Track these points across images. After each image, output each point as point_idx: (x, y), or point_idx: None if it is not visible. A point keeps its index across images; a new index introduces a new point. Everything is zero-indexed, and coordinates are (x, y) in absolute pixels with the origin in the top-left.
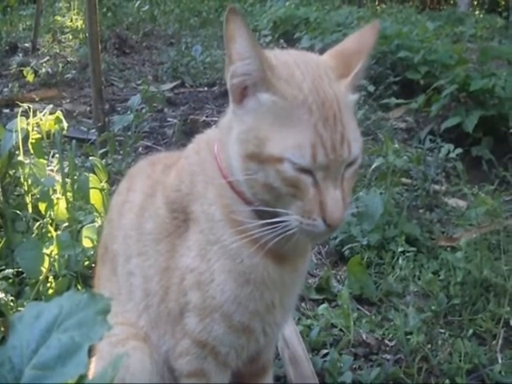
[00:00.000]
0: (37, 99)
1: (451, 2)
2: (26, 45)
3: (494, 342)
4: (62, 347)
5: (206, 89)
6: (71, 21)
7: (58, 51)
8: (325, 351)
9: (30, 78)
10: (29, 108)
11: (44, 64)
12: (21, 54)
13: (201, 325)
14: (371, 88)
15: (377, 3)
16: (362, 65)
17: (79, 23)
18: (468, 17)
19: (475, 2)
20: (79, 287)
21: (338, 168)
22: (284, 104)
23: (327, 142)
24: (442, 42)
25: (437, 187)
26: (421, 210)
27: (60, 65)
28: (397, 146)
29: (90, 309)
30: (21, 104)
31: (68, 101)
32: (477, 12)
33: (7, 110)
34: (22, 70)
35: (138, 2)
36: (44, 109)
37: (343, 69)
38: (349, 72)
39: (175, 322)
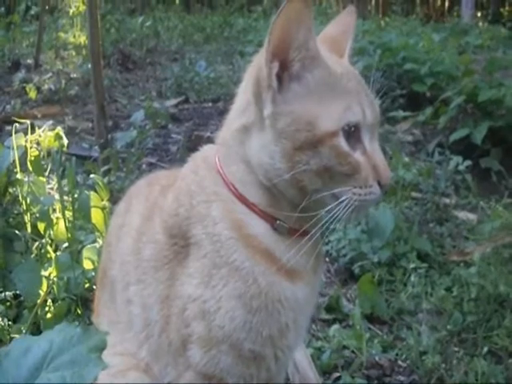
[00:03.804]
0: (39, 116)
1: (455, 13)
2: (29, 61)
3: (511, 361)
4: None
5: (210, 104)
6: (74, 37)
7: (60, 68)
8: (337, 374)
9: (33, 94)
10: (31, 125)
11: (46, 80)
12: (23, 71)
13: (206, 357)
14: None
15: (381, 16)
16: (351, 42)
17: (82, 39)
18: (472, 28)
19: (479, 14)
20: (79, 311)
21: (376, 128)
22: (330, 78)
23: (368, 102)
24: (448, 54)
25: (446, 200)
26: (431, 224)
27: (63, 81)
28: (406, 159)
29: (84, 345)
30: (20, 121)
31: (71, 117)
32: (480, 23)
33: (9, 127)
34: (24, 87)
35: (142, 18)
36: (45, 125)
37: (335, 50)
38: (341, 51)
39: (177, 354)
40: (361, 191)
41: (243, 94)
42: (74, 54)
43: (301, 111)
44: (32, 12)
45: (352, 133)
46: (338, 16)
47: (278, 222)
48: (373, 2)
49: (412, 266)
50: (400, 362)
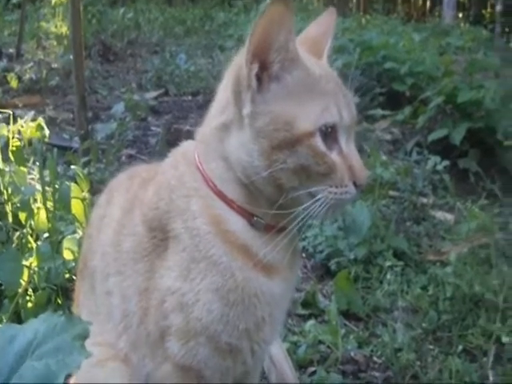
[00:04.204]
0: (20, 106)
1: (436, 14)
2: (11, 50)
3: (485, 359)
4: (36, 376)
5: (190, 98)
6: (56, 27)
7: (42, 57)
8: (312, 369)
9: (14, 84)
10: (10, 115)
11: (28, 70)
12: (5, 60)
13: (184, 349)
14: (356, 99)
15: (362, 14)
16: (330, 44)
17: (64, 29)
18: (453, 29)
19: (460, 15)
20: (59, 301)
21: (353, 129)
22: (308, 79)
23: (345, 103)
24: (429, 54)
25: (424, 200)
26: (408, 223)
27: (44, 71)
28: (383, 158)
29: (67, 333)
30: (3, 110)
31: (51, 108)
32: (462, 24)
33: None
34: (5, 76)
35: (123, 10)
36: (27, 115)
37: (315, 51)
38: (319, 53)
39: (155, 346)
40: (336, 190)
41: (223, 92)
42: (55, 44)
43: (279, 111)
44: (14, 1)
45: (329, 133)
46: (318, 18)
47: (255, 218)
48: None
49: (388, 263)
50: (375, 358)
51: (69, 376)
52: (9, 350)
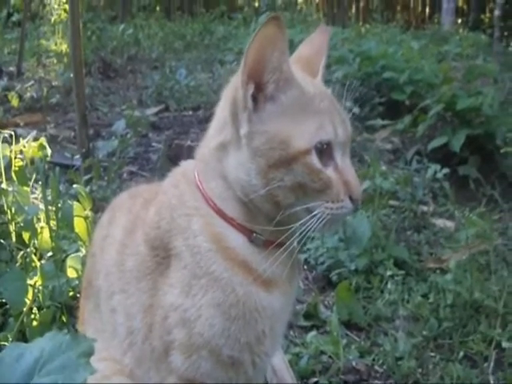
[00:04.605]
0: (21, 124)
1: (435, 20)
2: (11, 69)
3: (486, 365)
4: None
5: (190, 113)
6: (56, 45)
7: (42, 75)
8: (314, 379)
9: (15, 102)
10: (11, 135)
11: (28, 88)
12: (6, 79)
13: (187, 362)
14: (356, 110)
15: (361, 24)
16: (324, 63)
17: (63, 47)
18: (452, 35)
19: (459, 21)
20: (64, 319)
21: (348, 145)
22: (303, 98)
23: (339, 121)
24: (427, 62)
25: (424, 208)
26: (408, 232)
27: (45, 89)
28: (383, 167)
29: (73, 351)
30: (3, 131)
31: (52, 125)
32: (460, 31)
33: None
34: (6, 95)
35: (123, 26)
36: (28, 134)
37: (309, 70)
38: (314, 71)
39: (160, 360)
40: (333, 205)
41: (221, 112)
42: (55, 61)
43: (275, 130)
44: (14, 19)
45: (324, 150)
46: (310, 37)
47: (254, 234)
48: (353, 9)
49: (389, 273)
50: (377, 367)
51: None
52: (16, 367)
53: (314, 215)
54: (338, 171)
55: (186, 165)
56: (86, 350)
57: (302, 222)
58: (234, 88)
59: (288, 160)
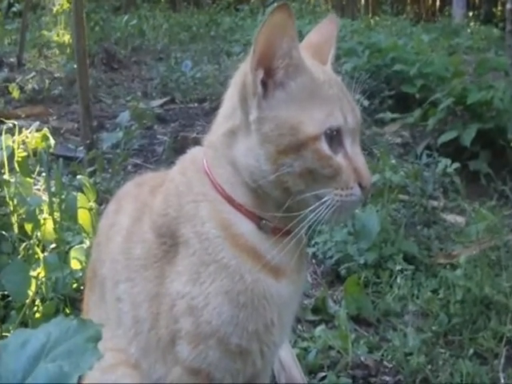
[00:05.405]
0: (23, 116)
1: (446, 13)
2: (12, 60)
3: (496, 362)
4: (50, 377)
5: (196, 105)
6: (58, 36)
7: (44, 67)
8: (322, 374)
9: (16, 94)
10: (14, 125)
11: (30, 80)
12: (6, 70)
13: (194, 352)
14: (365, 102)
15: (370, 16)
16: (334, 51)
17: (66, 38)
18: (463, 28)
19: (470, 14)
20: (67, 311)
21: (357, 132)
22: (312, 85)
23: (349, 108)
24: (438, 55)
25: (434, 203)
26: (418, 227)
27: (46, 81)
28: (393, 161)
29: (80, 336)
30: (6, 121)
31: (55, 118)
32: (472, 23)
33: None
34: (7, 86)
35: (127, 17)
36: (30, 126)
37: (318, 58)
38: (323, 59)
39: (166, 350)
40: (342, 192)
41: (230, 99)
42: (57, 52)
43: (285, 116)
44: (14, 9)
45: (334, 137)
46: (318, 25)
47: (263, 221)
48: (362, 1)
49: (398, 268)
50: (385, 363)
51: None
52: (21, 353)
53: (324, 202)
54: (347, 158)
55: (193, 152)
56: (93, 335)
57: (311, 208)
58: (243, 74)
59: (297, 146)
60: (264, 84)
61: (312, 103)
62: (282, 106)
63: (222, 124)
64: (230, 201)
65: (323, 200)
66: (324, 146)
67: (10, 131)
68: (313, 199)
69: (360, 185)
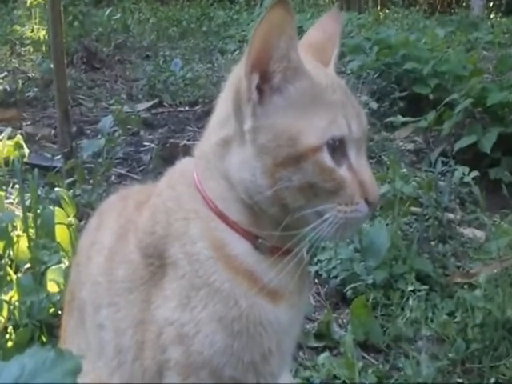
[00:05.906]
0: None
1: (464, 4)
2: None
3: None
4: None
5: (186, 108)
6: (32, 31)
7: (17, 66)
8: None
9: None
10: None
11: (1, 80)
12: None
13: None
14: (374, 105)
15: (379, 8)
16: (337, 51)
17: (41, 34)
18: (483, 21)
19: (491, 4)
20: (43, 339)
21: (364, 142)
22: (313, 90)
23: (354, 115)
24: (455, 51)
25: (451, 216)
26: (433, 243)
27: (20, 81)
28: (404, 170)
29: (58, 369)
30: None
31: (29, 123)
32: (492, 15)
33: None
34: None
35: (109, 10)
36: (1, 132)
37: (319, 58)
38: (325, 60)
39: (152, 382)
40: (346, 208)
41: (223, 104)
42: (32, 50)
43: (282, 125)
44: None
45: (337, 147)
46: (320, 20)
47: (259, 240)
48: None
49: (410, 288)
50: None
51: None
52: None
53: (326, 219)
54: (352, 170)
55: (183, 163)
56: (72, 368)
57: (311, 226)
58: (237, 78)
59: (297, 158)
60: (260, 89)
61: (313, 110)
62: (280, 113)
63: (214, 131)
64: (224, 218)
65: (325, 217)
66: (326, 158)
67: None
68: (314, 216)
69: (366, 200)
